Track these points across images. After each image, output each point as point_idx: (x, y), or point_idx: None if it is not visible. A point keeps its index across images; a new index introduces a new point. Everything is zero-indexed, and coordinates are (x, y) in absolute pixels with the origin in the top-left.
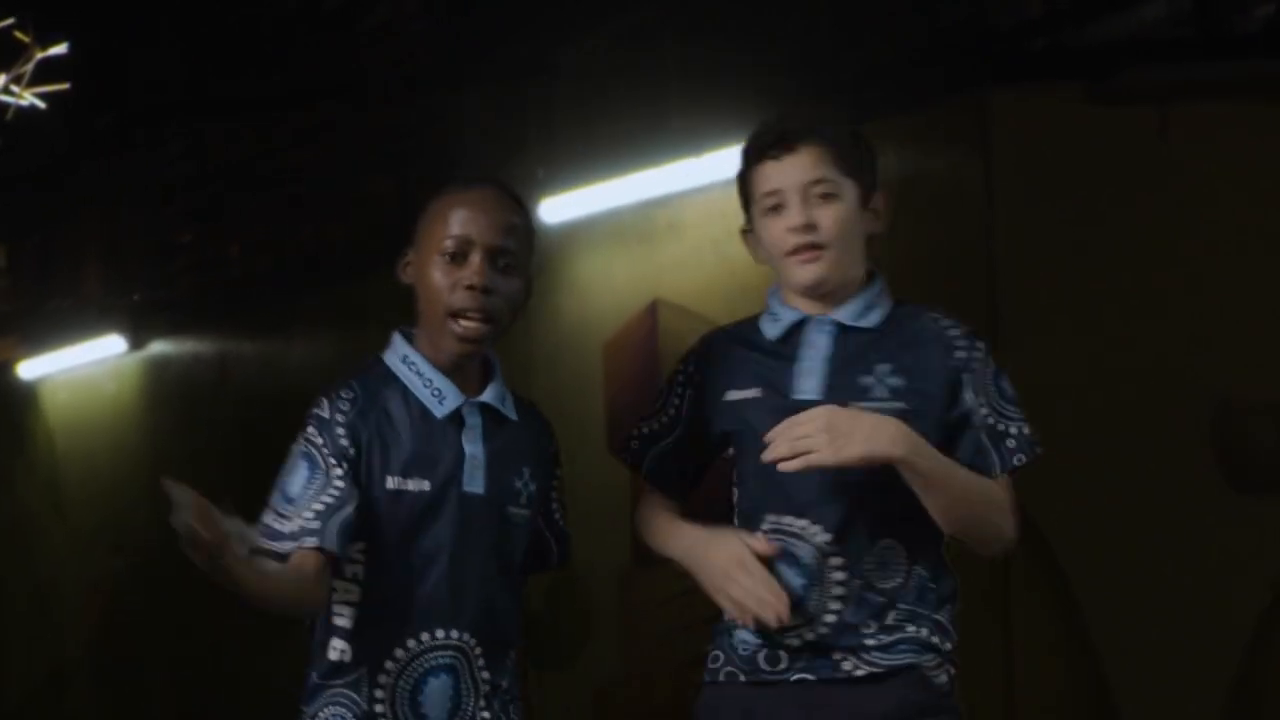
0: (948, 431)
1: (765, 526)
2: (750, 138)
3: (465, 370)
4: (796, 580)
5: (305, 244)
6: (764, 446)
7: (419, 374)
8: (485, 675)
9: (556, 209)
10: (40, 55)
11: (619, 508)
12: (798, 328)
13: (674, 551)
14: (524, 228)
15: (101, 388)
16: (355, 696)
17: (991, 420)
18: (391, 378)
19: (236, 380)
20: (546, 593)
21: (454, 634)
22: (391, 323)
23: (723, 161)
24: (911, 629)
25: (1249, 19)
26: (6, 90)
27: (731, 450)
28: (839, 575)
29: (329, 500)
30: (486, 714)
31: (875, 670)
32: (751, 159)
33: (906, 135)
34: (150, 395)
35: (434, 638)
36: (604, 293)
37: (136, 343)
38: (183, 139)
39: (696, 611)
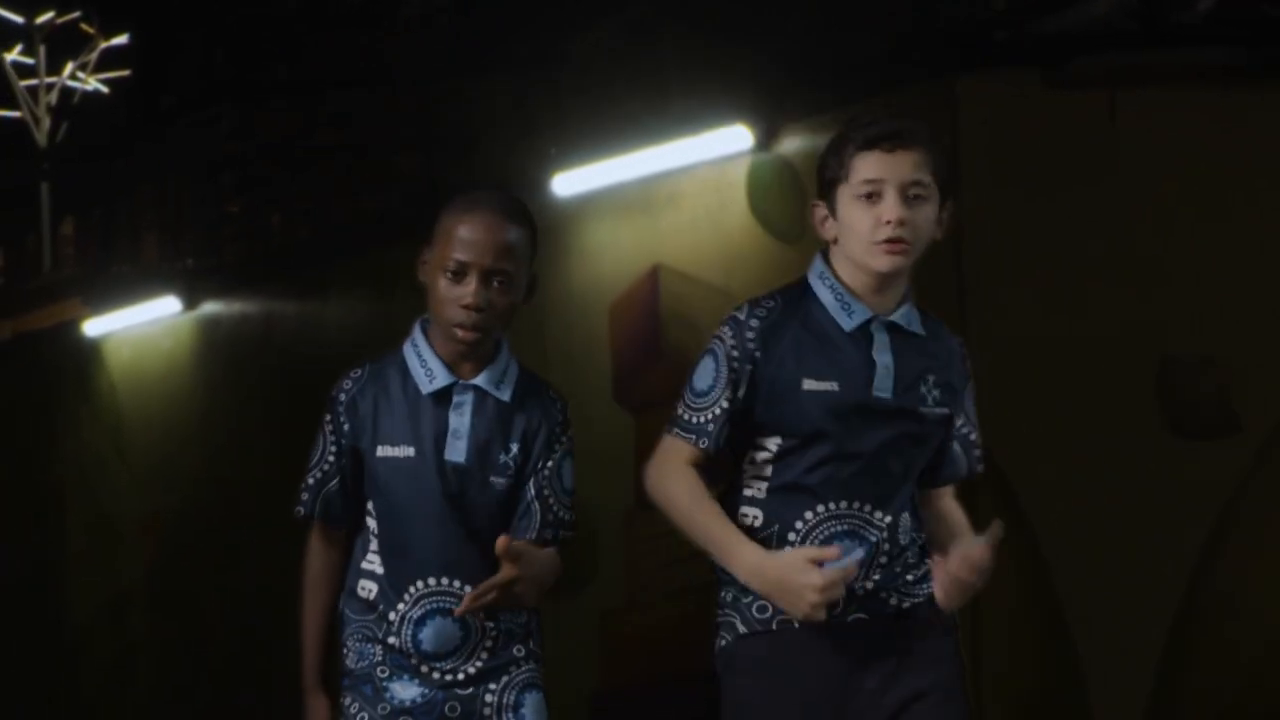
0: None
1: (828, 510)
2: (858, 125)
3: (466, 355)
4: (859, 550)
5: (340, 215)
6: (842, 435)
7: (419, 357)
8: (490, 622)
9: (567, 183)
10: (104, 45)
11: (623, 452)
12: (867, 323)
13: (722, 554)
14: (521, 243)
15: (158, 344)
16: (375, 630)
17: (967, 431)
18: (400, 360)
19: (279, 338)
20: None
21: (449, 582)
22: (414, 288)
23: (717, 140)
24: (922, 570)
25: (1190, 13)
26: (74, 76)
27: (773, 432)
28: (886, 547)
29: (319, 475)
30: (488, 646)
31: (916, 600)
32: (858, 145)
33: None
34: (202, 351)
35: (429, 585)
36: (610, 258)
37: (190, 304)
38: (230, 120)
39: (690, 546)
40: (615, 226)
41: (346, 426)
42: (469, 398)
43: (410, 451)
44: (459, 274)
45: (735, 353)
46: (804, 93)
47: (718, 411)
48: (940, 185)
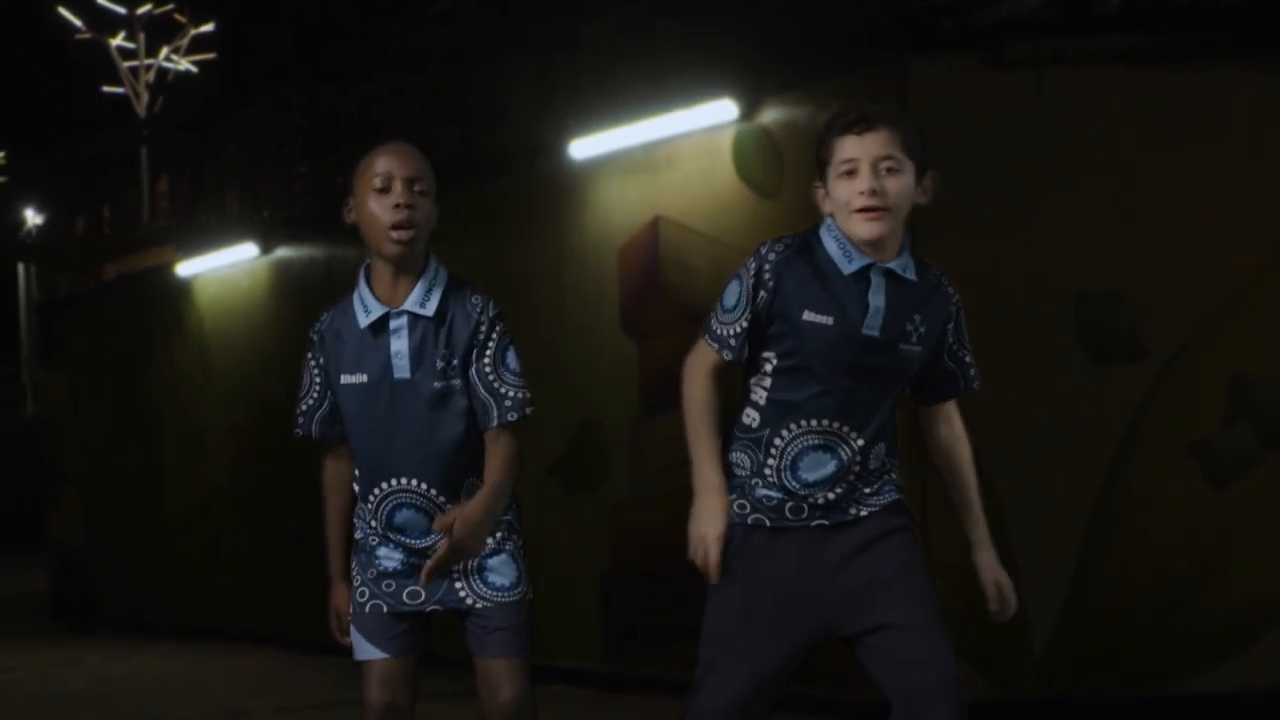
0: (933, 365)
1: (812, 425)
2: (838, 114)
3: (398, 283)
4: (832, 467)
5: None
6: (833, 365)
7: (360, 297)
8: (449, 505)
9: (582, 148)
10: (193, 32)
11: (629, 373)
12: (865, 269)
13: (694, 466)
14: (428, 167)
15: (239, 283)
16: (364, 520)
17: (961, 354)
18: (349, 303)
19: (340, 278)
20: (573, 439)
21: (407, 481)
22: (454, 237)
23: (707, 112)
24: (887, 476)
25: (1105, 5)
26: (168, 58)
27: (775, 350)
28: (857, 468)
29: (310, 402)
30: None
31: (871, 510)
32: (836, 132)
33: (844, 93)
34: (275, 289)
35: (391, 485)
36: (618, 211)
37: (265, 249)
38: (300, 96)
39: (683, 453)
40: (622, 184)
41: (322, 359)
42: (403, 322)
43: (364, 378)
44: (385, 188)
45: (754, 280)
46: (781, 71)
47: (739, 329)
48: (914, 158)
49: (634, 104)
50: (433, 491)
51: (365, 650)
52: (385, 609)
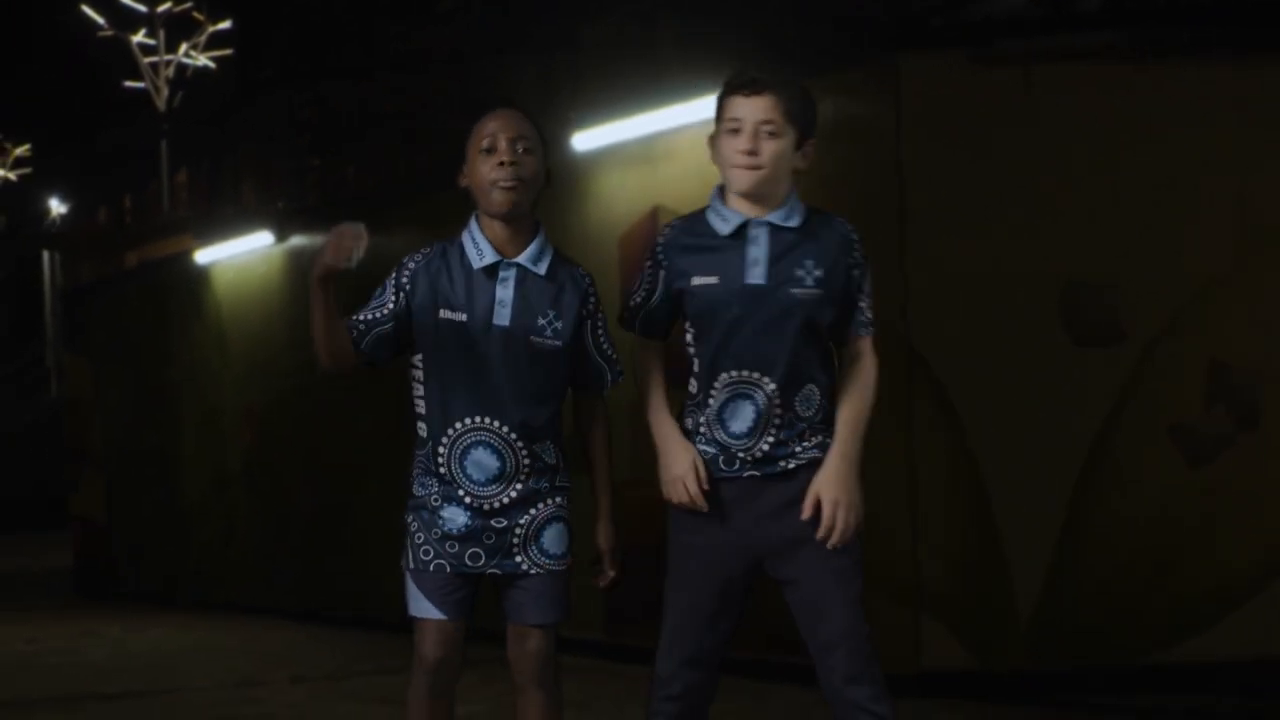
0: (843, 307)
1: (729, 377)
2: (732, 74)
3: (510, 239)
4: (750, 413)
5: (399, 167)
6: (728, 318)
7: (473, 240)
8: (525, 454)
9: (585, 140)
10: (211, 29)
11: (628, 357)
12: (743, 226)
13: (652, 427)
14: (533, 125)
15: (255, 270)
16: (428, 462)
17: (864, 304)
18: (459, 243)
19: (352, 265)
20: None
21: (489, 420)
22: (458, 224)
23: (705, 106)
24: (821, 438)
25: (1090, 3)
26: (187, 55)
27: (688, 318)
28: (778, 411)
29: (376, 315)
30: (523, 477)
31: (800, 464)
32: (728, 90)
33: (840, 88)
34: (290, 275)
35: (473, 422)
36: (619, 201)
37: (280, 238)
38: (312, 91)
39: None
40: (623, 175)
41: (409, 286)
42: (512, 273)
43: (464, 316)
44: (491, 148)
45: (651, 262)
46: (776, 68)
47: (634, 304)
48: (795, 124)
49: (634, 98)
50: (512, 435)
51: (424, 608)
52: (449, 569)
